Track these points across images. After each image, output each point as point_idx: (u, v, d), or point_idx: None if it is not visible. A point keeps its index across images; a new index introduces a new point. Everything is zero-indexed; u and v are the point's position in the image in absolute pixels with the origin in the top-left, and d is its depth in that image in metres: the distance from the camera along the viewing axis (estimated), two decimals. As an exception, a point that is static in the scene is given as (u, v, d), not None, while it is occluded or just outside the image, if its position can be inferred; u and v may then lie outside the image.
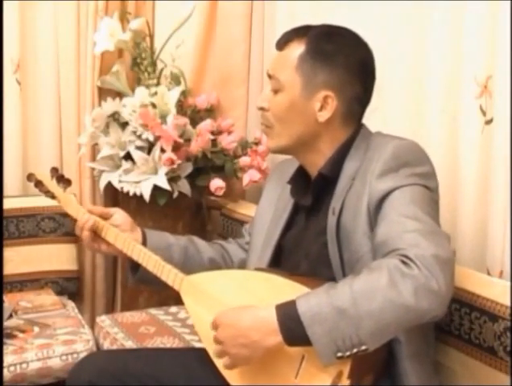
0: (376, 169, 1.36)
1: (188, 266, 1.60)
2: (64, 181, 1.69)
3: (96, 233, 1.60)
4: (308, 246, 1.48)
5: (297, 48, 1.44)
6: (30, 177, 1.72)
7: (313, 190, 1.49)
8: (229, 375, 1.38)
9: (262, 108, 1.49)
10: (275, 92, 1.47)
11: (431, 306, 1.19)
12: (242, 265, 1.67)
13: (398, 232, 1.26)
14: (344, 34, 1.47)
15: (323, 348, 1.20)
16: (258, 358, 1.28)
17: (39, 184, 1.70)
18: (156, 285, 1.53)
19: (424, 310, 1.19)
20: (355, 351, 1.19)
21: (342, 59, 1.43)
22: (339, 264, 1.38)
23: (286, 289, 1.31)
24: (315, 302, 1.21)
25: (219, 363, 1.39)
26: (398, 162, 1.35)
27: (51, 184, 1.69)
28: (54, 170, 1.71)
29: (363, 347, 1.19)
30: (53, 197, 1.70)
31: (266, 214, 1.61)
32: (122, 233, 1.58)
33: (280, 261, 1.54)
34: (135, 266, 1.61)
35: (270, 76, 1.49)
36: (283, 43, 1.48)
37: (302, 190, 1.53)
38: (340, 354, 1.20)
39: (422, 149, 1.40)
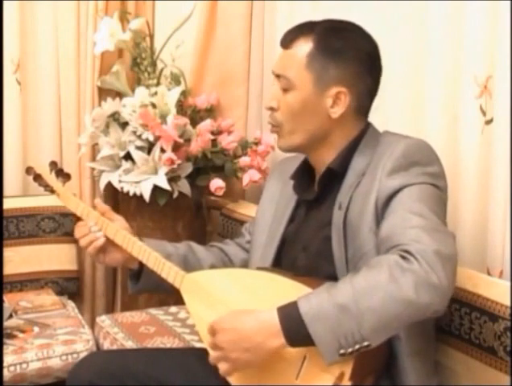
0: (386, 166, 1.36)
1: None
2: (63, 175, 1.66)
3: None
4: (307, 239, 1.48)
5: (305, 46, 1.44)
6: (28, 170, 1.69)
7: (320, 185, 1.48)
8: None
9: (271, 108, 1.48)
10: (285, 91, 1.46)
11: (432, 301, 1.20)
12: (244, 266, 1.66)
13: (402, 228, 1.27)
14: (351, 29, 1.47)
15: (325, 346, 1.20)
16: (259, 362, 1.27)
17: (37, 178, 1.67)
18: (158, 291, 1.52)
19: (425, 304, 1.19)
20: (357, 347, 1.19)
21: (352, 53, 1.43)
22: (343, 260, 1.38)
23: (289, 289, 1.30)
24: (316, 301, 1.21)
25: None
26: (409, 161, 1.35)
27: (50, 178, 1.66)
28: (53, 164, 1.68)
29: (365, 343, 1.19)
30: (52, 191, 1.67)
31: (268, 211, 1.61)
32: (122, 230, 1.56)
33: (282, 256, 1.54)
34: (136, 275, 1.60)
35: (277, 76, 1.48)
36: (289, 41, 1.47)
37: (305, 185, 1.53)
38: (342, 351, 1.19)
39: (432, 148, 1.41)
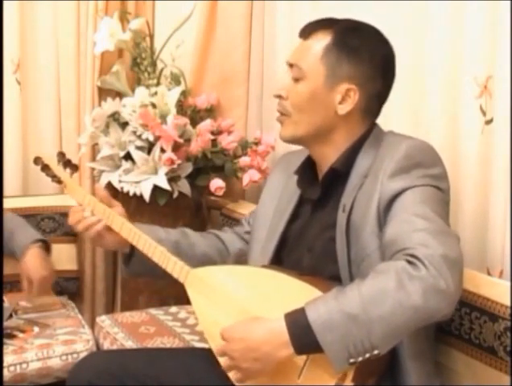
0: (388, 168, 1.36)
1: None
2: (70, 166, 1.68)
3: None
4: (312, 240, 1.48)
5: (323, 39, 1.45)
6: (37, 160, 1.71)
7: (323, 185, 1.48)
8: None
9: (279, 96, 1.49)
10: (296, 80, 1.47)
11: (440, 306, 1.20)
12: (240, 255, 1.66)
13: (408, 231, 1.27)
14: (370, 31, 1.49)
15: (335, 355, 1.20)
16: (269, 370, 1.27)
17: (45, 168, 1.69)
18: (152, 276, 1.52)
19: (433, 309, 1.20)
20: (367, 355, 1.19)
21: (367, 54, 1.44)
22: (346, 261, 1.38)
23: (294, 289, 1.31)
24: (324, 309, 1.21)
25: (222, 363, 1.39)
26: (411, 163, 1.35)
27: (58, 169, 1.68)
28: (61, 155, 1.70)
29: (375, 352, 1.19)
30: (59, 182, 1.69)
31: (269, 205, 1.61)
32: (128, 223, 1.56)
33: (283, 254, 1.54)
34: (128, 257, 1.61)
35: (291, 65, 1.48)
36: (308, 32, 1.48)
37: (308, 182, 1.53)
38: (352, 360, 1.19)
39: (434, 150, 1.41)
